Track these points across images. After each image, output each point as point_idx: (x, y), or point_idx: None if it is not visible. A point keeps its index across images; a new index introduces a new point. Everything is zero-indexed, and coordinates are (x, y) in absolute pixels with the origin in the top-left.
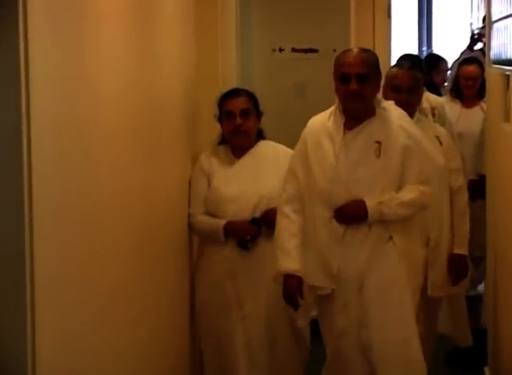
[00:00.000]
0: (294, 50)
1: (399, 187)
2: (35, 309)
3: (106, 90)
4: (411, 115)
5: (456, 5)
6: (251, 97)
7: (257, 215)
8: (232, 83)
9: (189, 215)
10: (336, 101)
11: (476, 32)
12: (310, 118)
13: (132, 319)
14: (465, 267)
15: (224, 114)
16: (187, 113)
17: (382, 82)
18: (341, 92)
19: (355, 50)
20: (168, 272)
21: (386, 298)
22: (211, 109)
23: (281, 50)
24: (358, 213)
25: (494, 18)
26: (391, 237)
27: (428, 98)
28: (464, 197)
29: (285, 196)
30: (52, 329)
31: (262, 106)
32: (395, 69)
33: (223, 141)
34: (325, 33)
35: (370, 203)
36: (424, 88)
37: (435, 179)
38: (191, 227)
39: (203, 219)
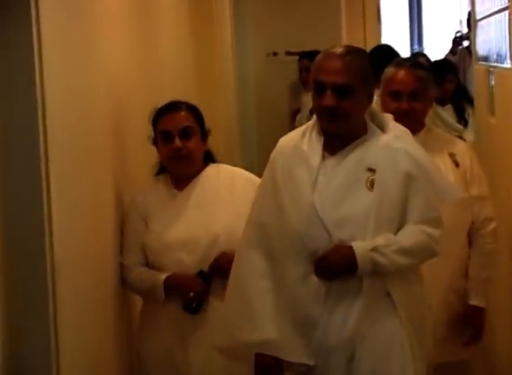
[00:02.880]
0: (288, 53)
1: (398, 230)
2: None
3: (110, 93)
4: (418, 128)
5: (446, 2)
6: (194, 111)
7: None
8: (230, 88)
9: (121, 266)
10: (314, 115)
11: (458, 35)
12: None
13: None
14: (482, 324)
15: (160, 135)
16: None
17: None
18: (315, 106)
19: (338, 50)
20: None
21: (384, 373)
22: (210, 117)
23: (275, 54)
24: (344, 264)
25: (478, 16)
26: (388, 293)
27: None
28: (489, 233)
29: (246, 239)
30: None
31: (259, 108)
32: (393, 69)
33: (162, 169)
34: (317, 36)
35: (360, 249)
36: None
37: (452, 217)
38: (125, 282)
39: (139, 272)
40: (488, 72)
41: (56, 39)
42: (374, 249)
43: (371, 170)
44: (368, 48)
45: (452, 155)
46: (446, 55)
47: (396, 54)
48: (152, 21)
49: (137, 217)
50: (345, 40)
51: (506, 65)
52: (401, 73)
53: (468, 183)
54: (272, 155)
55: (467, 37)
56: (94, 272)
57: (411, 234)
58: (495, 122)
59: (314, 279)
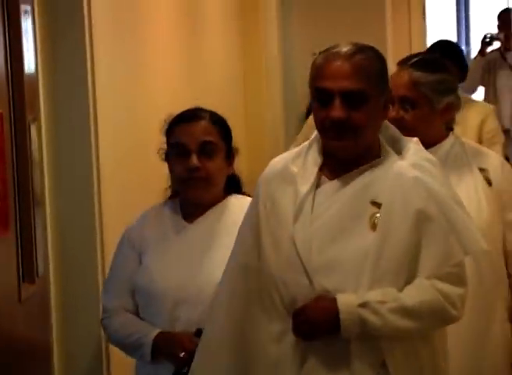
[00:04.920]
0: None
1: (405, 285)
2: None
3: (160, 93)
4: (429, 141)
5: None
6: (219, 124)
7: None
8: (276, 89)
9: (103, 310)
10: (314, 132)
11: (488, 35)
12: None
13: None
14: None
15: (173, 149)
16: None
17: None
18: (318, 120)
19: (344, 48)
20: None
21: None
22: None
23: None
24: (324, 320)
25: None
26: (383, 364)
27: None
28: None
29: (222, 285)
30: None
31: (304, 108)
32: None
33: (176, 192)
34: (361, 36)
35: (344, 303)
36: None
37: (484, 272)
38: (106, 331)
39: (124, 321)
40: None
41: (107, 46)
42: (363, 304)
43: (377, 204)
44: (413, 47)
45: (483, 171)
46: (475, 57)
47: (459, 50)
48: (199, 22)
49: (130, 251)
50: (389, 39)
51: None
52: (395, 74)
53: (504, 205)
54: (258, 180)
55: (497, 38)
56: None
57: (419, 290)
58: None
59: (291, 338)
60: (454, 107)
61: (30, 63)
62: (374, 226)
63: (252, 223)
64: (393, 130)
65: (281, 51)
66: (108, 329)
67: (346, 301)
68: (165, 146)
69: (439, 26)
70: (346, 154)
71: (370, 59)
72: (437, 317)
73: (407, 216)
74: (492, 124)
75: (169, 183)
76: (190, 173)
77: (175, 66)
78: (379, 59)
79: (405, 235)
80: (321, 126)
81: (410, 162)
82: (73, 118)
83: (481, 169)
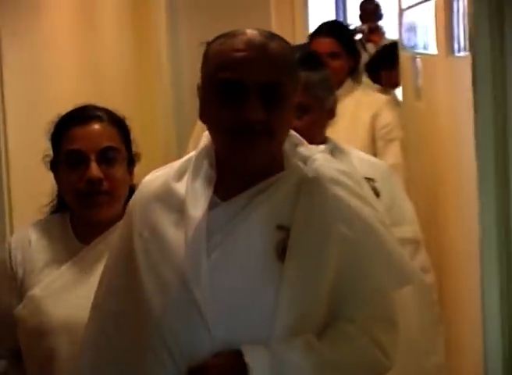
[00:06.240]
0: None
1: (323, 326)
2: None
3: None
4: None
5: None
6: (119, 125)
7: None
8: (166, 83)
9: None
10: (204, 140)
11: (352, 27)
12: None
13: None
14: None
15: (65, 157)
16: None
17: None
18: (224, 122)
19: (252, 32)
20: None
21: None
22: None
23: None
24: None
25: (404, 6)
26: None
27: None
28: (428, 291)
29: (88, 336)
30: None
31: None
32: None
33: (61, 206)
34: (245, 24)
35: (254, 358)
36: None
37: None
38: None
39: None
40: (414, 59)
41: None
42: (278, 361)
43: (284, 229)
44: (297, 35)
45: (370, 181)
46: None
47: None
48: (95, 18)
49: (7, 281)
50: (274, 28)
51: (433, 52)
52: None
53: (393, 220)
54: (130, 203)
55: (360, 30)
56: None
57: (341, 338)
58: (421, 106)
59: None
60: (336, 104)
61: None
62: (282, 257)
63: (124, 257)
64: (295, 136)
65: (169, 46)
66: None
67: (255, 354)
68: (50, 152)
69: (320, 15)
70: (254, 166)
71: (284, 48)
72: (366, 368)
73: (322, 242)
74: (386, 118)
75: (54, 197)
76: (91, 187)
77: (73, 60)
78: (291, 49)
79: (321, 266)
80: (226, 131)
81: (324, 176)
82: None
83: (368, 179)
